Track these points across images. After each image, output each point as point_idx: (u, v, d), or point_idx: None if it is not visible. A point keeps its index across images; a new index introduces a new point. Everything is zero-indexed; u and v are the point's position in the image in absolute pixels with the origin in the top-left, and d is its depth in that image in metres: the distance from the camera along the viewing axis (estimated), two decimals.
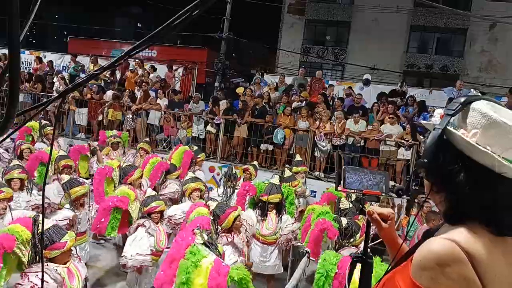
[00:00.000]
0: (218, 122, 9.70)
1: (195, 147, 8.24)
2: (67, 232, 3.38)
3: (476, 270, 1.04)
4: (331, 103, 10.41)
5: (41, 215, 3.57)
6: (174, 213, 5.19)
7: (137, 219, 4.68)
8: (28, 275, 3.12)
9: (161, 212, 4.74)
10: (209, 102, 10.43)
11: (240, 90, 11.76)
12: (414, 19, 21.00)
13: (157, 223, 4.61)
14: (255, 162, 7.70)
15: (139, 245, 4.31)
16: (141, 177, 6.03)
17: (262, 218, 5.25)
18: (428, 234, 1.23)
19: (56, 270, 3.20)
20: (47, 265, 3.22)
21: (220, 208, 4.52)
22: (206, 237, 3.53)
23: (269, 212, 5.27)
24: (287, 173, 6.33)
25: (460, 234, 1.08)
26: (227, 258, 4.08)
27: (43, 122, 8.80)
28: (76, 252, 3.94)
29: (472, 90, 10.27)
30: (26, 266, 3.28)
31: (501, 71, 19.85)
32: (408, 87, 11.82)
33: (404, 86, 11.27)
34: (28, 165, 6.35)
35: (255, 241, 5.24)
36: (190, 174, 6.14)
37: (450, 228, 1.12)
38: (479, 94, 9.44)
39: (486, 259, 1.05)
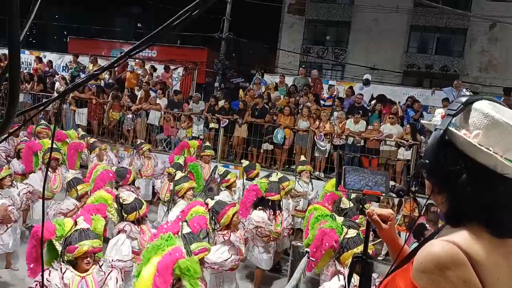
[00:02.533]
0: (224, 124, 9.70)
1: (207, 143, 8.61)
2: (90, 239, 3.28)
3: (476, 272, 1.04)
4: (331, 104, 10.39)
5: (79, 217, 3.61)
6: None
7: (118, 222, 4.53)
8: (48, 269, 3.17)
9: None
10: (208, 101, 10.41)
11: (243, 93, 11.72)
12: (414, 19, 20.99)
13: (141, 223, 4.51)
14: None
15: (120, 250, 4.20)
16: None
17: (274, 216, 5.39)
18: (419, 232, 1.23)
19: (63, 276, 3.14)
20: (61, 266, 3.20)
21: (219, 204, 4.53)
22: (188, 230, 3.54)
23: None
24: (279, 174, 6.38)
25: (461, 237, 1.07)
26: (220, 255, 4.16)
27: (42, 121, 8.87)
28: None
29: (464, 89, 10.21)
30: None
31: (501, 71, 19.84)
32: (408, 87, 11.75)
33: (371, 104, 10.42)
34: (24, 158, 6.70)
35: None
36: (179, 174, 6.08)
37: (451, 230, 1.12)
38: (471, 93, 9.42)
39: (487, 261, 1.04)
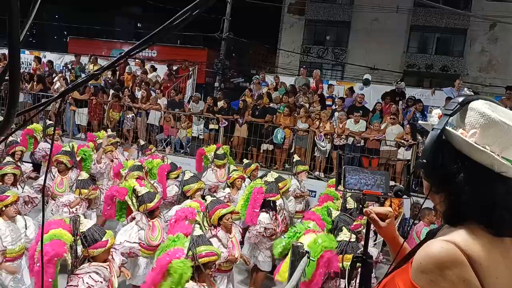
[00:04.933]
0: (224, 125, 9.71)
1: (246, 161, 7.93)
2: (106, 231, 3.46)
3: (475, 272, 1.04)
4: (331, 103, 10.40)
5: (81, 216, 3.71)
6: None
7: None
8: (81, 277, 3.18)
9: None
10: (206, 101, 10.41)
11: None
12: (414, 19, 20.99)
13: (154, 218, 4.70)
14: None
15: (128, 234, 4.49)
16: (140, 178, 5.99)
17: (275, 217, 5.43)
18: (431, 236, 1.22)
19: (106, 269, 3.32)
20: (92, 264, 3.31)
21: (212, 204, 4.58)
22: (199, 233, 3.58)
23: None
24: (274, 175, 6.40)
25: (460, 236, 1.07)
26: None
27: (48, 122, 8.80)
28: None
29: (465, 89, 10.22)
30: (71, 268, 3.32)
31: (501, 71, 19.84)
32: (408, 87, 11.77)
33: (400, 83, 11.14)
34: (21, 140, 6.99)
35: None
36: (188, 174, 6.08)
37: (450, 230, 1.12)
38: (472, 93, 9.44)
39: (486, 261, 1.04)
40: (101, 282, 3.19)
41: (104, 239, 3.35)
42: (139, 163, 6.46)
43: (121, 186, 5.05)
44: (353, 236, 3.83)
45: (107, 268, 3.34)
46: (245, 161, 7.78)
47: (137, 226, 4.56)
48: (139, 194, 4.76)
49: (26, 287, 4.37)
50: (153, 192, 4.90)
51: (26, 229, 4.45)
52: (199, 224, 3.88)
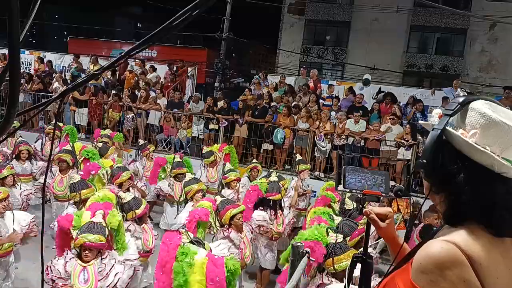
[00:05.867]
0: (224, 125, 9.71)
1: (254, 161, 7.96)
2: (93, 233, 3.35)
3: (476, 272, 1.04)
4: (330, 103, 10.40)
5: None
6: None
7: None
8: (58, 256, 3.42)
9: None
10: (206, 101, 10.41)
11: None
12: (414, 19, 20.99)
13: (142, 223, 4.52)
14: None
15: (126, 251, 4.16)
16: (130, 178, 5.91)
17: (275, 216, 5.43)
18: (426, 233, 1.23)
19: (67, 262, 3.34)
20: (67, 253, 3.43)
21: (223, 203, 4.55)
22: (191, 236, 3.55)
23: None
24: (276, 173, 6.43)
25: (460, 236, 1.07)
26: (220, 252, 4.09)
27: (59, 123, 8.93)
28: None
29: (459, 89, 10.21)
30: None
31: (501, 71, 19.83)
32: (408, 87, 11.76)
33: (377, 96, 10.97)
34: None
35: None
36: (189, 176, 6.10)
37: (450, 230, 1.12)
38: (466, 93, 9.42)
39: (486, 261, 1.04)
40: (56, 270, 3.30)
41: (80, 236, 3.31)
42: (121, 165, 6.20)
43: (103, 201, 4.40)
44: (340, 236, 3.78)
45: (67, 263, 3.34)
46: (254, 161, 7.86)
47: (133, 237, 4.29)
48: (124, 201, 4.45)
49: (11, 282, 4.45)
50: (139, 198, 4.72)
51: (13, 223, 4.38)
52: (184, 227, 3.84)
